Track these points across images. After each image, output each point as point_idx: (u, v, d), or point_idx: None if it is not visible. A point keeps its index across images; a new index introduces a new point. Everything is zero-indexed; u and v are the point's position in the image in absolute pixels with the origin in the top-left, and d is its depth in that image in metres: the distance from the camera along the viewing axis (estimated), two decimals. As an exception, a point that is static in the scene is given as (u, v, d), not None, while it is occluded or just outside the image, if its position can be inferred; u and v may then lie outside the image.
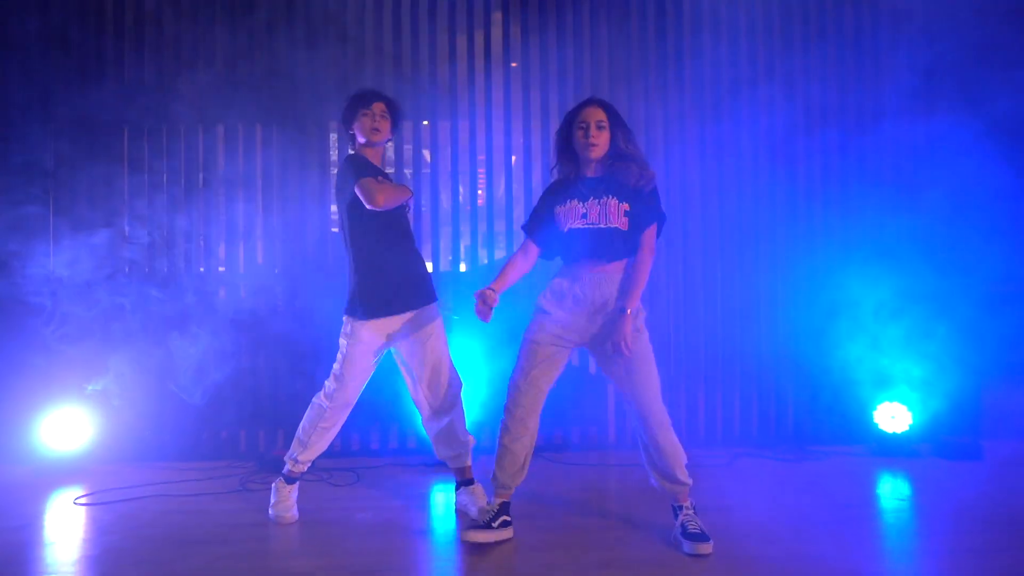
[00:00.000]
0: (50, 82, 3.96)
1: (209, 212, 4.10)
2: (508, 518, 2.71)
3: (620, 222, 2.60)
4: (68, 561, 2.63)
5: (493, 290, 2.61)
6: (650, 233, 2.63)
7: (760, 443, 4.07)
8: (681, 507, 2.65)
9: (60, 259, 3.86)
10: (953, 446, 3.78)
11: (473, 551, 2.61)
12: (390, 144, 3.57)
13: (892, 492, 3.34)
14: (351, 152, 3.01)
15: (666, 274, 4.16)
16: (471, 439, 3.03)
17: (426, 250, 4.08)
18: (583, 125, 2.65)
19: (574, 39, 4.20)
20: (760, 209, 4.17)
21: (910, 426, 3.88)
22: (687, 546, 2.55)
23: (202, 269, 4.11)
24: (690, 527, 2.59)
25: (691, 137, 4.18)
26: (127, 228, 4.02)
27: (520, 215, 4.16)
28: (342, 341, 2.96)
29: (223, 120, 4.09)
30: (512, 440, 2.69)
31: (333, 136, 4.20)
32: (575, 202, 2.66)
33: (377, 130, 2.92)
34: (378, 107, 2.94)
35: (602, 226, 2.61)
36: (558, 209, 2.69)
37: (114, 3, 4.07)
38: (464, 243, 4.32)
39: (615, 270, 2.64)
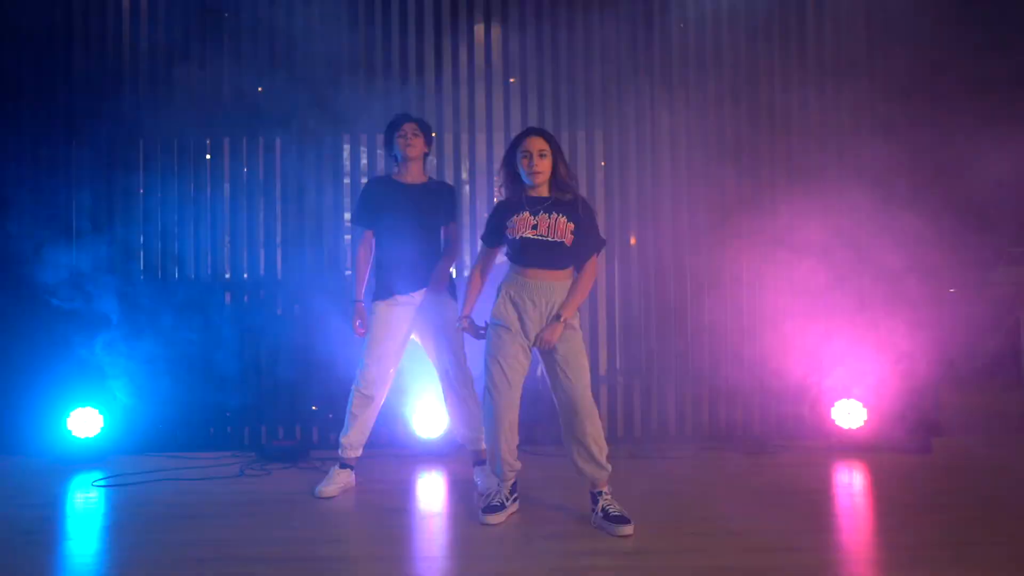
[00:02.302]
0: (75, 93, 4.37)
1: (218, 218, 4.46)
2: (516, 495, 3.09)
3: (567, 238, 2.90)
4: (89, 532, 2.99)
5: (469, 319, 3.06)
6: (593, 260, 2.98)
7: (725, 439, 4.34)
8: (601, 492, 2.92)
9: (83, 260, 4.26)
10: (903, 441, 4.03)
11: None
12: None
13: (840, 480, 3.61)
14: (373, 178, 3.63)
15: (639, 279, 4.46)
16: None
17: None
18: (526, 154, 2.93)
19: (568, 53, 4.46)
20: (730, 209, 4.40)
21: (865, 423, 4.14)
22: (611, 528, 2.80)
23: (229, 275, 4.49)
24: (612, 511, 2.86)
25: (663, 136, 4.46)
26: (143, 233, 4.41)
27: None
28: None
29: (246, 132, 4.46)
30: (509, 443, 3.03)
31: (347, 147, 4.56)
32: (526, 214, 2.94)
33: (411, 146, 3.40)
34: (409, 127, 3.41)
35: (551, 239, 2.90)
36: (512, 219, 2.96)
37: (134, 17, 4.44)
38: (477, 246, 4.65)
39: (562, 277, 2.95)
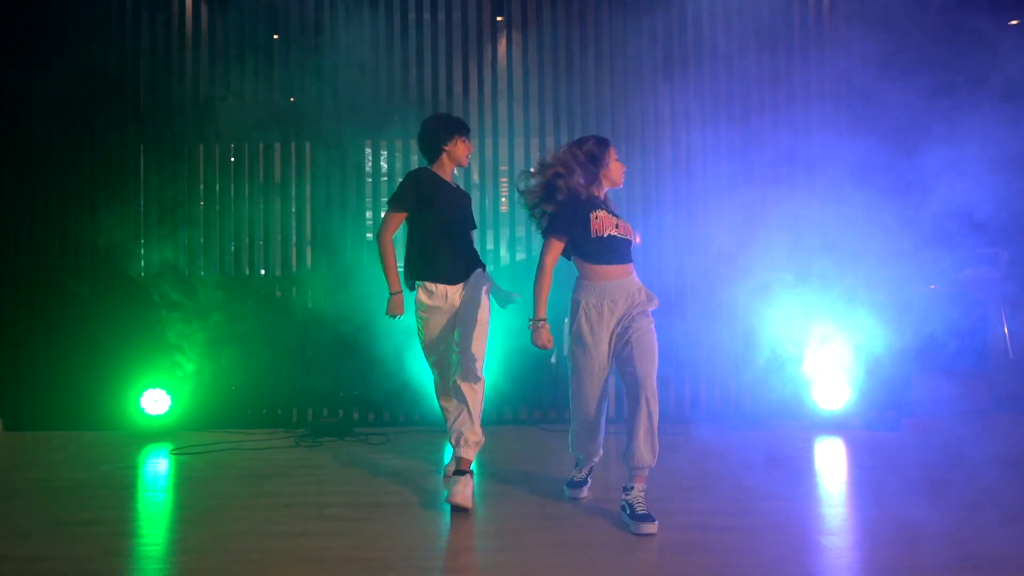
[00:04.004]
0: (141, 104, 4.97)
1: (257, 219, 5.02)
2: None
3: (633, 238, 3.16)
4: (172, 487, 3.56)
5: (545, 321, 3.05)
6: None
7: (718, 418, 4.88)
8: (632, 487, 2.96)
9: (153, 256, 4.88)
10: (877, 420, 4.58)
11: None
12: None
13: (817, 451, 4.16)
14: (421, 168, 3.55)
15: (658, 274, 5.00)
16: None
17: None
18: (619, 158, 3.18)
19: (580, 58, 5.02)
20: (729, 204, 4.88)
21: (844, 404, 4.68)
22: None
23: (262, 272, 5.06)
24: (639, 508, 2.90)
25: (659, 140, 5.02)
26: (203, 235, 4.98)
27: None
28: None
29: (278, 138, 5.03)
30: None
31: (368, 151, 5.11)
32: (603, 212, 3.07)
33: (467, 158, 3.59)
34: (468, 137, 3.57)
35: (627, 238, 3.10)
36: (594, 214, 3.04)
37: (181, 34, 5.04)
38: (488, 246, 5.19)
39: (633, 271, 3.12)
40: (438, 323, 3.42)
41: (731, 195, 4.86)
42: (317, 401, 4.95)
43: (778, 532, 2.82)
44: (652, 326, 3.02)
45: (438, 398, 3.66)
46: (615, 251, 3.05)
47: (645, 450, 2.92)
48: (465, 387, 3.25)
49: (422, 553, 2.68)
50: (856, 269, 4.75)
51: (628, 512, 2.90)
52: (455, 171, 3.65)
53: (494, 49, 5.11)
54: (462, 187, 3.86)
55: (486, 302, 3.38)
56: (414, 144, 4.92)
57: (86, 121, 4.92)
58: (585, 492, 3.31)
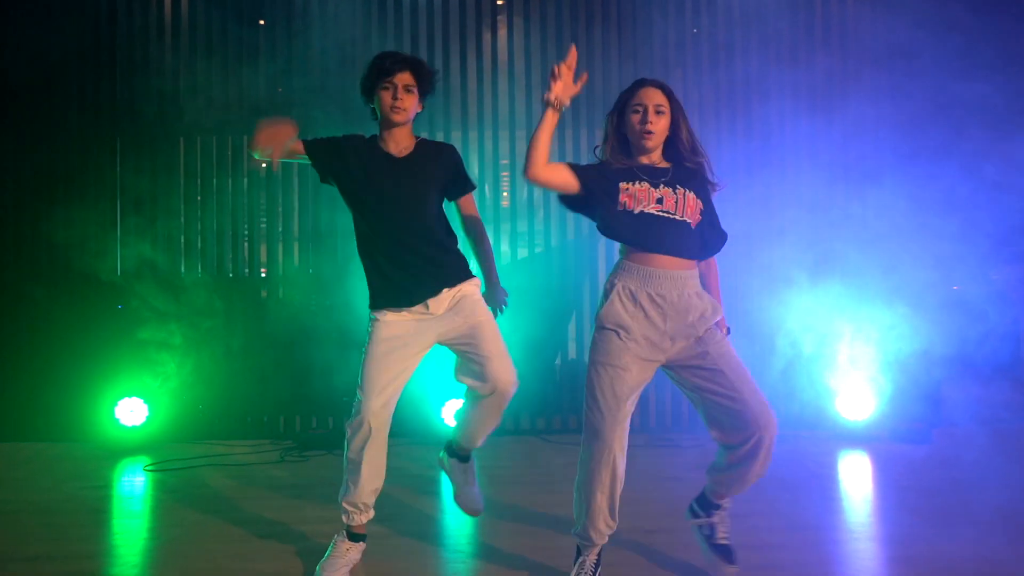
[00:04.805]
0: (118, 106, 4.63)
1: (241, 216, 4.69)
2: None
3: (694, 219, 2.32)
4: (142, 511, 3.25)
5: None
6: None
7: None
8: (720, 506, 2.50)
9: (128, 256, 4.54)
10: (905, 431, 4.26)
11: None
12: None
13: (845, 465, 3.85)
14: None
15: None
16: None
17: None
18: (638, 108, 2.33)
19: (586, 45, 4.69)
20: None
21: (872, 414, 4.36)
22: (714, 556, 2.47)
23: (246, 271, 4.74)
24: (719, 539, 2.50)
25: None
26: (183, 232, 4.64)
27: (542, 215, 4.72)
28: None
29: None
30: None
31: None
32: (644, 184, 2.32)
33: (397, 109, 2.49)
34: (402, 79, 2.50)
35: (678, 217, 2.30)
36: (624, 185, 2.31)
37: (175, 30, 4.70)
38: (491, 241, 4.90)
39: (691, 267, 2.34)
40: None
41: (747, 189, 4.56)
42: (307, 409, 4.64)
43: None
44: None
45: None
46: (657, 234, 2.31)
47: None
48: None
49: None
50: (882, 270, 4.46)
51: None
52: (409, 132, 2.62)
53: (494, 36, 4.77)
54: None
55: None
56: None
57: (60, 112, 4.58)
58: None
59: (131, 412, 4.37)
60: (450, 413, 4.36)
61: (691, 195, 2.32)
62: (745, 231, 4.35)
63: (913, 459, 3.91)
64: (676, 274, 2.28)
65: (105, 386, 4.38)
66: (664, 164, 2.38)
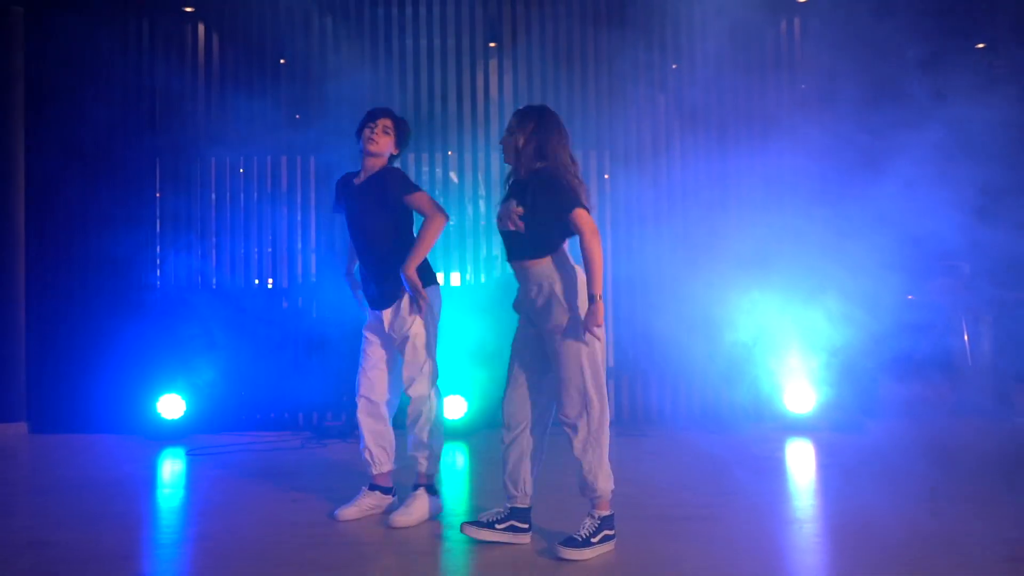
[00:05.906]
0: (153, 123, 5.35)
1: (252, 230, 5.39)
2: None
3: (518, 225, 2.77)
4: (190, 485, 3.92)
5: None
6: (585, 235, 2.70)
7: (697, 422, 5.21)
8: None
9: (168, 268, 5.28)
10: (841, 422, 4.91)
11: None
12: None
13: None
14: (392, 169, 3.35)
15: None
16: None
17: (453, 260, 5.37)
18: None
19: (567, 73, 5.38)
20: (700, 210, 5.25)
21: (813, 408, 5.00)
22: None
23: (270, 281, 5.43)
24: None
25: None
26: (215, 246, 5.35)
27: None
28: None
29: (284, 152, 5.40)
30: None
31: None
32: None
33: (372, 140, 3.20)
34: (382, 122, 3.24)
35: (509, 229, 2.84)
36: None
37: (194, 57, 5.40)
38: (482, 253, 5.49)
39: (540, 265, 2.80)
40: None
41: (705, 204, 5.19)
42: (323, 405, 5.30)
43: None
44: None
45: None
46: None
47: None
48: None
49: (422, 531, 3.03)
50: (824, 276, 5.04)
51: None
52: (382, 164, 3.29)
53: (486, 75, 5.46)
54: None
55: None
56: (411, 158, 5.33)
57: (118, 154, 5.28)
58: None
59: (171, 407, 5.04)
60: (449, 410, 5.01)
61: (512, 203, 2.79)
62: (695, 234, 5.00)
63: (849, 445, 4.56)
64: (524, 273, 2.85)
65: (149, 385, 5.06)
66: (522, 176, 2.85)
